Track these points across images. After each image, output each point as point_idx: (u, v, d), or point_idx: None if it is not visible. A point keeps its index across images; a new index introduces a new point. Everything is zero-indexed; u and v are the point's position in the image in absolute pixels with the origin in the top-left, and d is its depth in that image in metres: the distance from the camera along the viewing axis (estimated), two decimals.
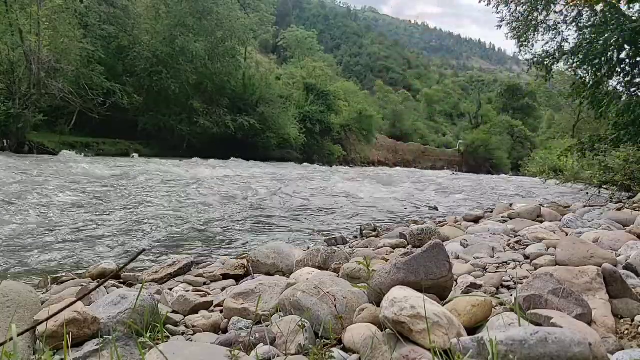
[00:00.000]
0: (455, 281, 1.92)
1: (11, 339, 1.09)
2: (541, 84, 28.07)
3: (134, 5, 26.92)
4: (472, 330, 1.37)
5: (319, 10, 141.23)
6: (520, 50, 12.95)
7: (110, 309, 1.58)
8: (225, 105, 28.56)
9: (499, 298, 1.71)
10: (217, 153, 22.95)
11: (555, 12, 12.19)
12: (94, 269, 2.96)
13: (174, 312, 2.02)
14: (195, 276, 2.80)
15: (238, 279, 2.79)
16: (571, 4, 11.77)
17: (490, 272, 2.19)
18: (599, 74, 10.49)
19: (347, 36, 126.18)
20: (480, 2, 13.03)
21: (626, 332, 1.41)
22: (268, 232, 5.11)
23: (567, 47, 11.88)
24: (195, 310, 2.04)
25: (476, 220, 4.93)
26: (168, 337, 1.60)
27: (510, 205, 5.69)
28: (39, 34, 18.32)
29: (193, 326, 1.82)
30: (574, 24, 11.88)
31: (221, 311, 1.97)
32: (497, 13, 12.90)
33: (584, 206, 5.33)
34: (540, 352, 1.05)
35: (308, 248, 3.31)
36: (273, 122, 29.92)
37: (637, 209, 4.06)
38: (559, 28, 12.27)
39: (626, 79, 10.53)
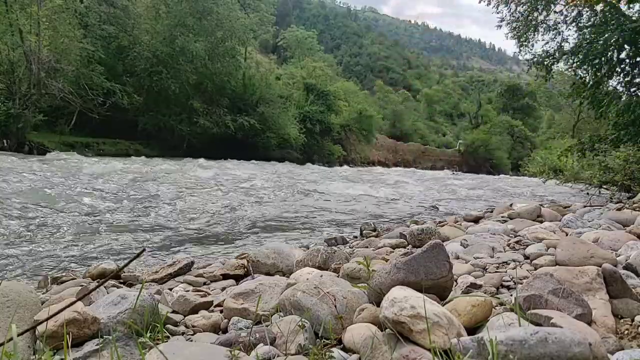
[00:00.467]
0: (455, 281, 1.92)
1: (11, 339, 1.09)
2: (541, 84, 28.08)
3: (134, 5, 26.93)
4: (472, 330, 1.37)
5: (319, 10, 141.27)
6: (520, 50, 12.97)
7: (110, 309, 1.58)
8: (225, 105, 28.57)
9: (499, 298, 1.71)
10: (217, 153, 22.95)
11: (555, 12, 12.21)
12: (94, 269, 2.96)
13: (174, 312, 2.02)
14: (195, 276, 2.79)
15: (238, 279, 2.79)
16: (571, 4, 11.77)
17: (490, 272, 2.18)
18: (599, 74, 10.49)
19: (347, 36, 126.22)
20: (480, 2, 13.04)
21: (626, 332, 1.41)
22: (268, 232, 5.11)
23: (567, 47, 11.89)
24: (195, 310, 2.04)
25: (476, 220, 4.93)
26: (168, 337, 1.60)
27: (510, 205, 5.68)
28: (39, 34, 18.34)
29: (193, 326, 1.82)
30: (574, 24, 11.89)
31: (221, 311, 1.97)
32: (497, 13, 12.93)
33: (584, 206, 5.33)
34: (540, 352, 1.05)
35: (308, 248, 3.31)
36: (273, 122, 29.94)
37: (637, 209, 4.06)
38: (559, 28, 12.29)
39: (626, 79, 10.54)
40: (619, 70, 10.45)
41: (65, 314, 1.41)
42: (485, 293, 1.80)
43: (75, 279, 2.83)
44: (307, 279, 1.90)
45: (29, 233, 4.30)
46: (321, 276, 1.89)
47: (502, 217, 4.43)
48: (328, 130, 35.88)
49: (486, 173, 41.82)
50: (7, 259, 3.42)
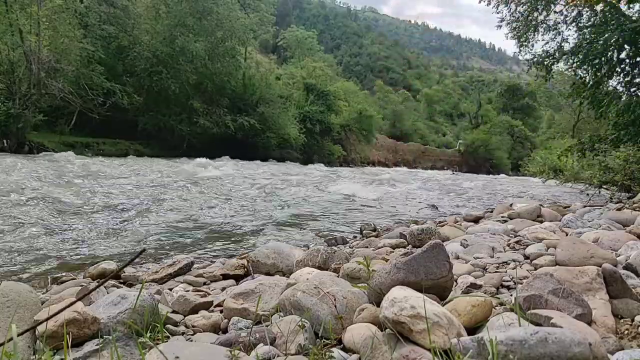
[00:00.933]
0: (455, 281, 1.92)
1: (11, 339, 1.09)
2: (541, 84, 28.08)
3: (134, 5, 26.93)
4: (472, 330, 1.37)
5: (319, 10, 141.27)
6: (520, 50, 12.96)
7: (110, 309, 1.58)
8: (225, 105, 28.58)
9: (499, 298, 1.71)
10: (217, 153, 22.96)
11: (555, 12, 12.20)
12: (94, 269, 2.96)
13: (174, 312, 2.02)
14: (195, 276, 2.80)
15: (238, 279, 2.79)
16: (571, 4, 11.77)
17: (490, 272, 2.19)
18: (599, 74, 10.49)
19: (347, 36, 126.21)
20: (480, 2, 13.03)
21: (626, 332, 1.41)
22: (268, 232, 5.11)
23: (567, 47, 11.88)
24: (195, 310, 2.04)
25: (476, 220, 4.93)
26: (168, 337, 1.60)
27: (510, 205, 5.68)
28: (39, 34, 18.34)
29: (193, 326, 1.82)
30: (574, 24, 11.88)
31: (221, 311, 1.97)
32: (497, 13, 12.92)
33: (584, 206, 5.33)
34: (540, 352, 1.05)
35: (308, 248, 3.31)
36: (273, 122, 29.94)
37: (637, 209, 4.06)
38: (559, 28, 12.28)
39: (626, 79, 10.53)
40: (619, 70, 10.44)
41: (65, 314, 1.41)
42: (485, 293, 1.80)
43: (75, 279, 2.83)
44: (307, 279, 1.90)
45: (28, 233, 4.30)
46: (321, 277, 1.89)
47: (502, 217, 4.44)
48: (328, 130, 35.88)
49: (486, 173, 41.81)
50: (7, 259, 3.42)
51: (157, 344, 1.36)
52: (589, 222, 3.56)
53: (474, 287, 1.87)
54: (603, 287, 1.56)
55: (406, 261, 1.52)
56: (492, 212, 5.61)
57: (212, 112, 27.55)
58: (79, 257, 3.61)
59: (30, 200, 6.02)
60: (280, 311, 1.76)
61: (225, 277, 2.81)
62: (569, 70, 12.16)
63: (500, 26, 13.04)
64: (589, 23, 11.22)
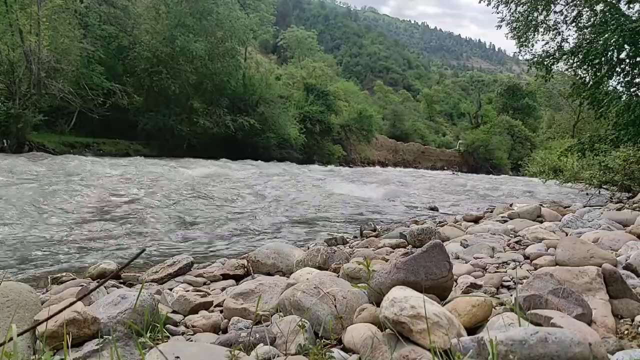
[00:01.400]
0: (455, 281, 1.92)
1: (11, 339, 1.09)
2: (541, 84, 28.11)
3: (134, 5, 26.92)
4: (472, 330, 1.37)
5: (319, 10, 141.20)
6: (520, 50, 12.96)
7: (110, 309, 1.58)
8: (225, 106, 28.55)
9: (499, 298, 1.71)
10: (217, 153, 22.95)
11: (555, 12, 12.20)
12: (94, 269, 2.96)
13: (174, 312, 2.02)
14: (195, 276, 2.80)
15: (238, 279, 2.79)
16: (571, 4, 11.77)
17: (490, 272, 2.19)
18: (599, 74, 10.49)
19: (347, 36, 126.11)
20: (480, 2, 13.01)
21: (626, 332, 1.41)
22: (268, 232, 5.11)
23: (567, 47, 11.87)
24: (195, 310, 2.04)
25: (476, 220, 4.93)
26: (168, 337, 1.60)
27: (510, 205, 5.69)
28: (39, 34, 18.32)
29: (193, 326, 1.82)
30: (574, 24, 11.88)
31: (221, 311, 1.97)
32: (497, 13, 12.91)
33: (584, 206, 5.34)
34: (540, 352, 1.05)
35: (308, 248, 3.31)
36: (273, 122, 29.92)
37: (637, 209, 4.06)
38: (559, 28, 12.28)
39: (626, 79, 10.54)
40: (619, 70, 10.44)
41: (65, 314, 1.41)
42: (485, 293, 1.80)
43: (75, 279, 2.83)
44: (307, 279, 1.90)
45: (28, 233, 4.30)
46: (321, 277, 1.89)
47: (502, 217, 4.44)
48: (328, 130, 35.85)
49: (486, 173, 41.75)
50: (7, 259, 3.42)
51: (157, 344, 1.36)
52: (589, 222, 3.56)
53: (474, 287, 1.87)
54: (603, 287, 1.56)
55: (406, 261, 1.52)
56: (492, 212, 5.61)
57: (212, 112, 27.52)
58: (79, 257, 3.61)
59: (30, 200, 6.02)
60: (280, 311, 1.76)
61: (225, 277, 2.81)
62: (569, 70, 12.15)
63: (500, 26, 13.04)
64: (589, 23, 11.23)
